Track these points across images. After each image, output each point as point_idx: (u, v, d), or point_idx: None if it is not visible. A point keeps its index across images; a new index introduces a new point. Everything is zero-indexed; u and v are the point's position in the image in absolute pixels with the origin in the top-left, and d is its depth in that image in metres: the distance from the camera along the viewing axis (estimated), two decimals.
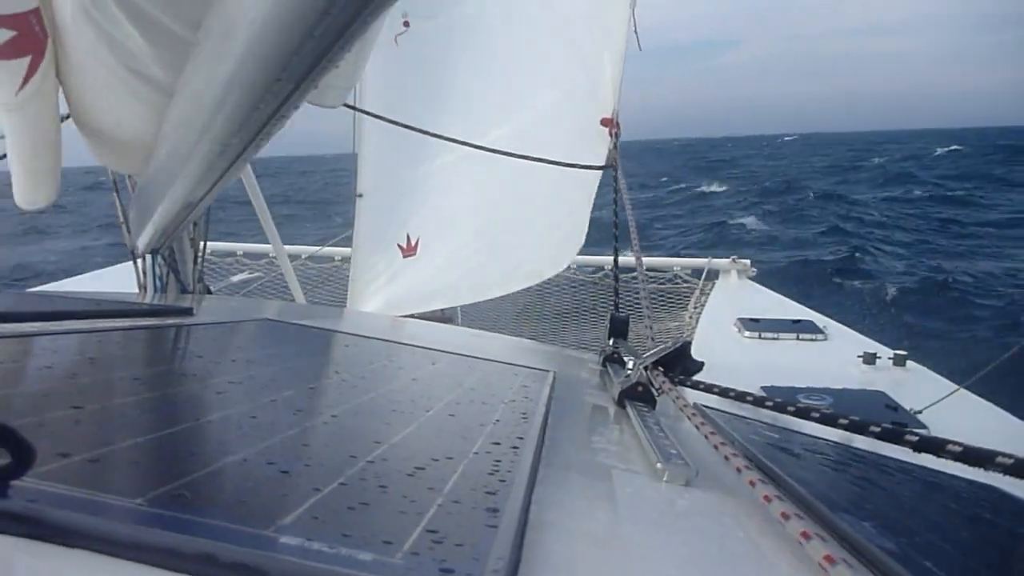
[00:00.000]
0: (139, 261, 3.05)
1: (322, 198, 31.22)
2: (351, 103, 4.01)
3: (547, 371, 1.84)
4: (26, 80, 1.72)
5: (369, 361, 1.72)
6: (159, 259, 2.99)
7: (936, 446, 1.04)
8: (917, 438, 1.09)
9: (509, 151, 3.55)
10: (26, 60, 1.69)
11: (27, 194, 2.05)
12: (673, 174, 44.24)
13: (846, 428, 1.28)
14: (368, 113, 3.84)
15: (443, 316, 5.05)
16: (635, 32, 3.60)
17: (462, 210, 4.35)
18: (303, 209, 28.14)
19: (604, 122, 3.62)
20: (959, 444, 1.01)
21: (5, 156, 1.99)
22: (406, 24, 4.13)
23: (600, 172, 3.58)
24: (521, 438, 1.07)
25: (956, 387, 3.00)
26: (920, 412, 2.85)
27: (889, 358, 3.79)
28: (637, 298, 3.26)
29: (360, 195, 4.46)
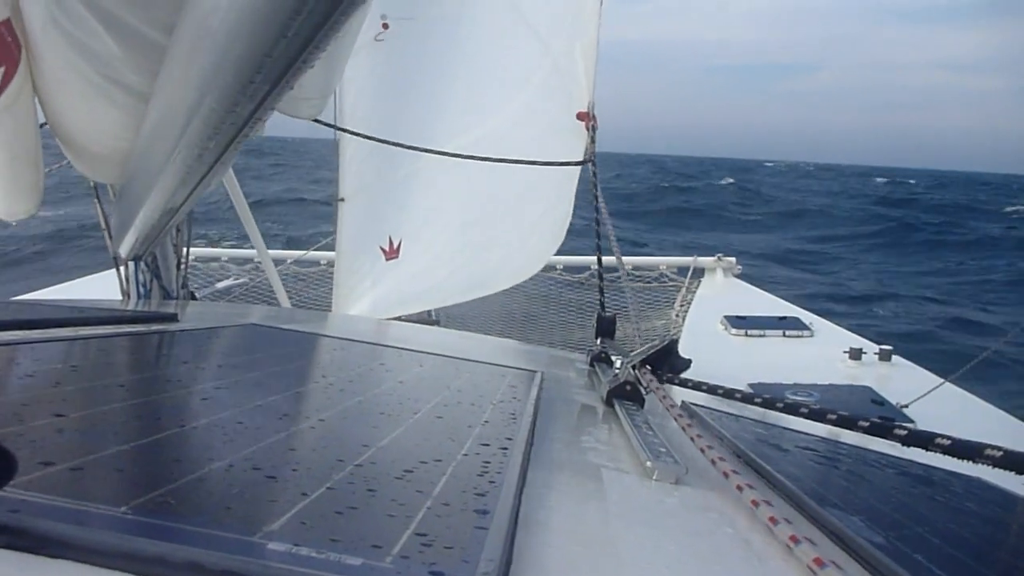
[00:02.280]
0: (122, 268, 3.02)
1: None
2: (328, 115, 4.01)
3: (535, 371, 1.84)
4: (0, 91, 1.70)
5: (355, 364, 1.71)
6: (142, 265, 2.97)
7: (925, 440, 1.05)
8: (906, 432, 1.10)
9: (486, 154, 3.55)
10: None
11: (7, 205, 2.02)
12: None
13: (835, 423, 1.29)
14: (343, 130, 3.85)
15: (429, 318, 5.03)
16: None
17: (442, 211, 4.34)
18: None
19: (580, 116, 3.63)
20: (948, 437, 1.01)
21: None
22: (385, 26, 4.11)
23: (578, 168, 3.60)
24: (510, 439, 1.06)
25: (941, 380, 3.03)
26: (906, 406, 2.87)
27: (875, 353, 3.82)
28: (623, 297, 3.26)
29: (342, 199, 4.45)
